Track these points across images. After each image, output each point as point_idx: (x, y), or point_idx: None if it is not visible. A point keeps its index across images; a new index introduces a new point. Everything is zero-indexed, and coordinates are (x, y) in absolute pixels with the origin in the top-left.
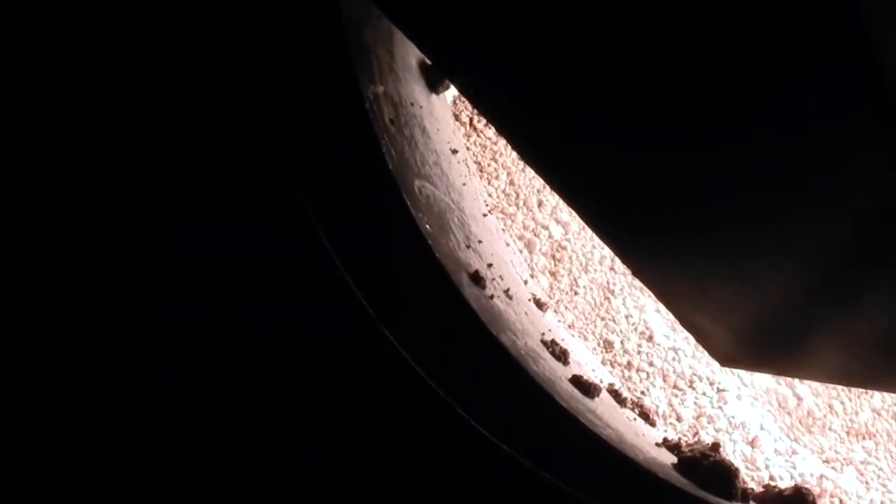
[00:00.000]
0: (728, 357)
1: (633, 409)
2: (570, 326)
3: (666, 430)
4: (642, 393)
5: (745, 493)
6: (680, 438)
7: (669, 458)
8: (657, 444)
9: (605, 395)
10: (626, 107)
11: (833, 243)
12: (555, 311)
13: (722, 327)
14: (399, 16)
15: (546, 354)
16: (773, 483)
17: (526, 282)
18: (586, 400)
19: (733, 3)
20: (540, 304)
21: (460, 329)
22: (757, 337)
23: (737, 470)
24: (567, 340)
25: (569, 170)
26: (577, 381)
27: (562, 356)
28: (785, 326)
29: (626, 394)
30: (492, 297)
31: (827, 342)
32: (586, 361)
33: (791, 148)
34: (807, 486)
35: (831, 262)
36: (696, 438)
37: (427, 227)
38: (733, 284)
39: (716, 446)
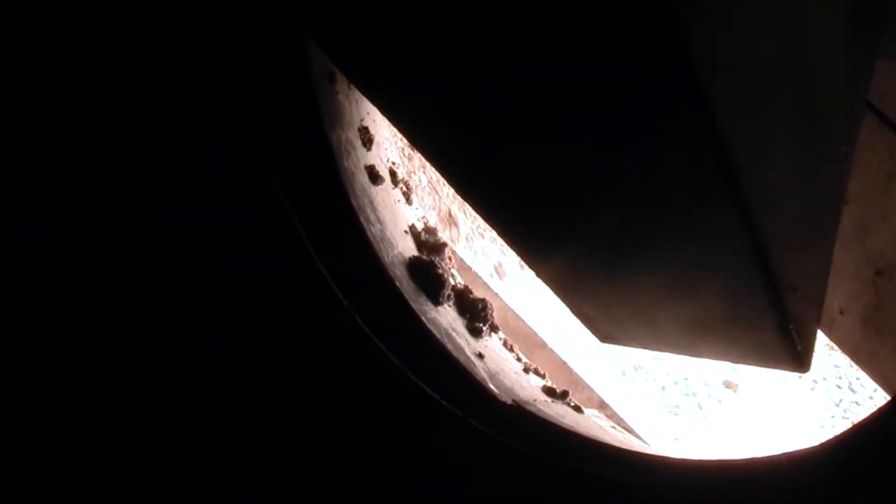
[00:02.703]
0: (607, 336)
1: (401, 189)
2: None
3: (418, 208)
4: None
5: (449, 295)
6: (424, 221)
7: (410, 250)
8: (405, 231)
9: (387, 181)
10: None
11: (678, 249)
12: None
13: (602, 316)
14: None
15: (358, 143)
16: (470, 290)
17: None
18: (371, 189)
19: None
20: None
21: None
22: (628, 322)
23: (447, 280)
24: (377, 121)
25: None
26: (370, 170)
27: (368, 143)
28: (648, 316)
29: (400, 174)
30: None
31: (681, 326)
32: (385, 140)
33: (630, 154)
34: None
35: (679, 264)
36: (434, 226)
37: None
38: (610, 285)
39: (443, 245)
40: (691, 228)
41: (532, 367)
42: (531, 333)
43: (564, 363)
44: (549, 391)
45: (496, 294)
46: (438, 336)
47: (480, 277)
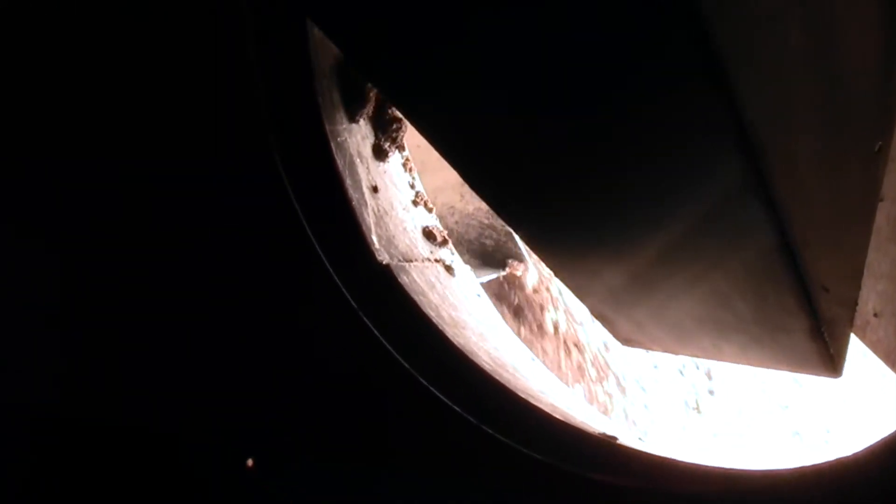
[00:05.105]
0: (627, 339)
1: None
2: None
3: None
4: None
5: (367, 112)
6: None
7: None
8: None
9: None
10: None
11: (702, 247)
12: None
13: (623, 318)
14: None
15: None
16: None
17: None
18: None
19: None
20: None
21: None
22: (650, 325)
23: (370, 98)
24: None
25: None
26: None
27: None
28: (670, 318)
29: None
30: None
31: (705, 329)
32: None
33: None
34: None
35: (703, 264)
36: None
37: None
38: (631, 286)
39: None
40: (716, 224)
41: (422, 200)
42: None
43: None
44: (429, 235)
45: None
46: (341, 166)
47: None
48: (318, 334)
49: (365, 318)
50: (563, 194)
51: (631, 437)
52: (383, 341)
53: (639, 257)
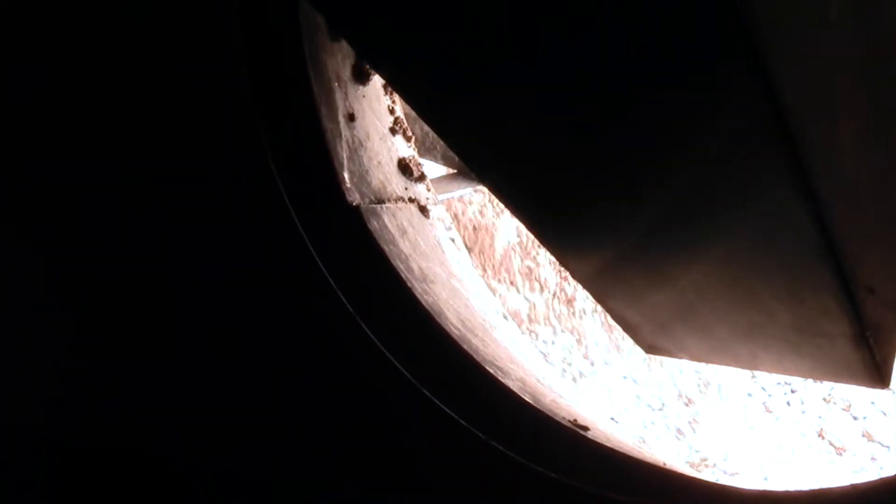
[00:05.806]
0: (652, 346)
1: None
2: None
3: None
4: None
5: None
6: None
7: None
8: None
9: None
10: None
11: (735, 243)
12: None
13: (647, 322)
14: None
15: None
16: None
17: None
18: None
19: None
20: None
21: None
22: (677, 330)
23: None
24: None
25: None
26: None
27: None
28: (700, 322)
29: None
30: None
31: (738, 334)
32: None
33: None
34: None
35: (736, 262)
36: None
37: None
38: (656, 286)
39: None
40: (751, 220)
41: (401, 128)
42: None
43: None
44: (405, 168)
45: None
46: (317, 93)
47: None
48: (276, 286)
49: (326, 272)
50: (585, 194)
51: (604, 421)
52: (343, 300)
53: (667, 258)
